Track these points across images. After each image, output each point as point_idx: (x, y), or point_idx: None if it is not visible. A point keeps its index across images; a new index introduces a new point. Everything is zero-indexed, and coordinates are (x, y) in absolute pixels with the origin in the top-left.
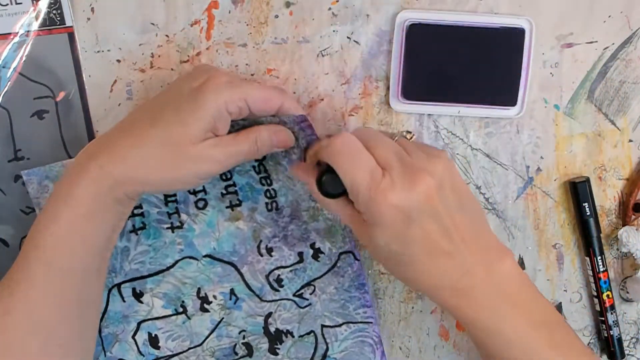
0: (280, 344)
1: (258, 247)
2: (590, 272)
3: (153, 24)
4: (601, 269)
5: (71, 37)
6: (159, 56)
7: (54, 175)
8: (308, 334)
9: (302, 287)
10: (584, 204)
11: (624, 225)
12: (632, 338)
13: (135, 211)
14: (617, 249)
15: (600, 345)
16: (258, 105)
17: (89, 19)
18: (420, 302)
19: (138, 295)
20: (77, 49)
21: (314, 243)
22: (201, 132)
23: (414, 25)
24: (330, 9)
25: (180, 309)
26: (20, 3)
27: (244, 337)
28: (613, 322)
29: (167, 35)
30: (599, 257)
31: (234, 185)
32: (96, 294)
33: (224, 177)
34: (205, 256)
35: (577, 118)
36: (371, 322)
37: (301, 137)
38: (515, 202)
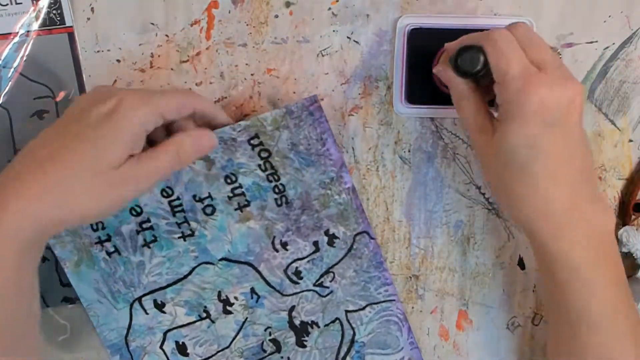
0: (307, 335)
1: (272, 243)
2: None
3: (153, 24)
4: None
5: (71, 37)
6: (159, 56)
7: None
8: (333, 322)
9: (322, 275)
10: None
11: (624, 225)
12: None
13: (144, 225)
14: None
15: None
16: (173, 114)
17: (89, 19)
18: (420, 302)
19: (160, 306)
20: (77, 49)
21: (327, 230)
22: (122, 154)
23: (414, 30)
24: (330, 9)
25: (204, 314)
26: (20, 3)
27: (270, 334)
28: None
29: (167, 35)
30: None
31: (240, 187)
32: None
33: (228, 181)
34: (221, 259)
35: None
36: (394, 300)
37: (308, 124)
38: None
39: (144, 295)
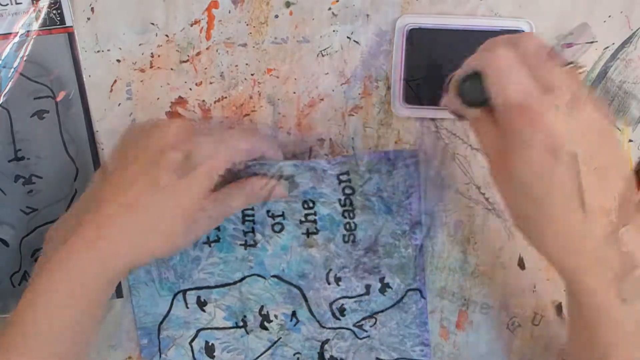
0: None
1: (327, 275)
2: None
3: (153, 23)
4: None
5: (71, 37)
6: (159, 56)
7: None
8: None
9: (364, 318)
10: None
11: (624, 225)
12: None
13: None
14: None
15: None
16: (242, 158)
17: (89, 18)
18: None
19: (202, 304)
20: (77, 49)
21: (383, 277)
22: (200, 201)
23: (414, 30)
24: (330, 9)
25: (241, 323)
26: (20, 3)
27: (297, 359)
28: None
29: (167, 35)
30: None
31: (315, 214)
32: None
33: (305, 206)
34: (273, 276)
35: None
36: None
37: (400, 174)
38: None
39: (190, 289)
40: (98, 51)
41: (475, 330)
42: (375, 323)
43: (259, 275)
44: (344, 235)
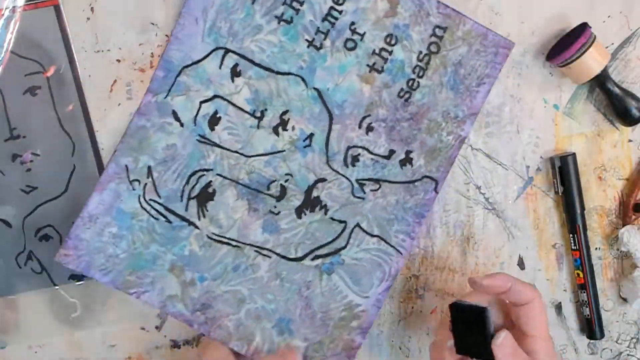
0: (310, 212)
1: (363, 118)
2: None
3: (153, 23)
4: (572, 247)
5: (57, 9)
6: (159, 56)
7: None
8: (340, 222)
9: (370, 179)
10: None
11: (623, 225)
12: (632, 338)
13: (295, 4)
14: (617, 249)
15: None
16: None
17: (88, 18)
18: (420, 302)
19: (236, 73)
20: (64, 22)
21: (411, 151)
22: None
23: None
24: None
25: (258, 114)
26: None
27: (286, 181)
28: (583, 301)
29: (167, 35)
30: (571, 235)
31: (390, 53)
32: None
33: (387, 40)
34: (314, 88)
35: (577, 118)
36: (401, 253)
37: (485, 58)
38: (515, 202)
39: (234, 52)
40: (98, 51)
41: None
42: (377, 189)
43: (303, 80)
44: (401, 90)
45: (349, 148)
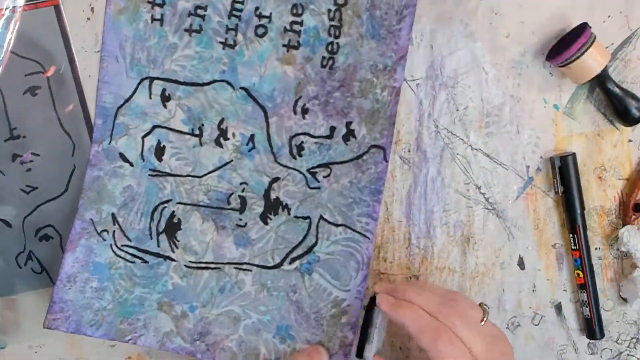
0: (274, 215)
1: (295, 102)
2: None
3: None
4: (572, 247)
5: (57, 9)
6: None
7: None
8: (304, 218)
9: (320, 165)
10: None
11: (623, 225)
12: (632, 338)
13: (199, 11)
14: (617, 249)
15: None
16: None
17: (88, 18)
18: None
19: (165, 98)
20: (64, 22)
21: (350, 122)
22: None
23: None
24: None
25: (197, 132)
26: None
27: (242, 190)
28: (583, 301)
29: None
30: (571, 235)
31: (301, 24)
32: None
33: (294, 11)
34: (241, 88)
35: (577, 118)
36: (368, 238)
37: None
38: (515, 202)
39: (158, 79)
40: (98, 51)
41: None
42: (329, 174)
43: (228, 83)
44: (323, 58)
45: (291, 138)
